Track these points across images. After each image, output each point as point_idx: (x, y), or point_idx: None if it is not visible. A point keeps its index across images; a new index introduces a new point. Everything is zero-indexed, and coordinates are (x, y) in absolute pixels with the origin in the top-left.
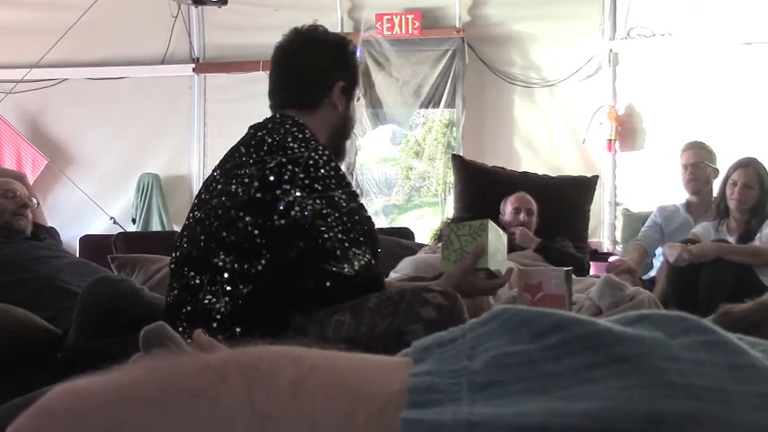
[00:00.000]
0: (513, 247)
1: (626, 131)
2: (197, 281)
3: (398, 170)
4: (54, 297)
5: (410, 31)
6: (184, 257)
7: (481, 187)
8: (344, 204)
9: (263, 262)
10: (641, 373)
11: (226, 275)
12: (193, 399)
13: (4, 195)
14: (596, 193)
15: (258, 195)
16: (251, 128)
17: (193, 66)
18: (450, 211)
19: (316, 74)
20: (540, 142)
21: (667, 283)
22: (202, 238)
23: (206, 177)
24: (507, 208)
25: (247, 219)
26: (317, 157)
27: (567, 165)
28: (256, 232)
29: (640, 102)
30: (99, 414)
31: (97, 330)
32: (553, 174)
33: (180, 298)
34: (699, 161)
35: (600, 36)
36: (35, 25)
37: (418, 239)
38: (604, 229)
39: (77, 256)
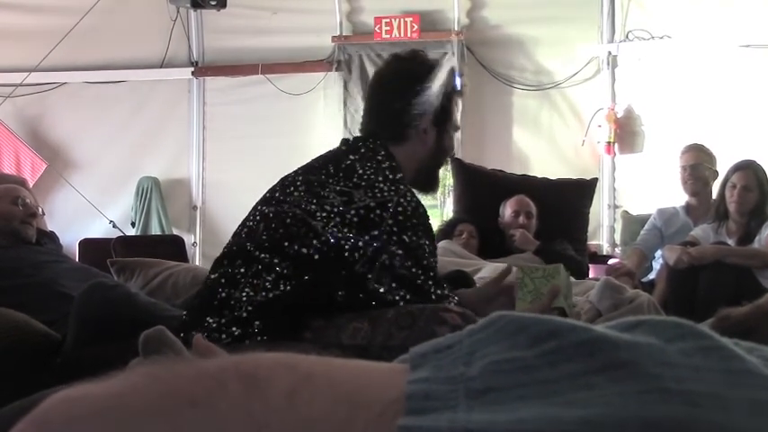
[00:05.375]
0: (512, 250)
1: (625, 134)
2: (241, 270)
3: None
4: (54, 302)
5: (409, 35)
6: (239, 248)
7: (480, 190)
8: (428, 252)
9: (313, 277)
10: (637, 379)
11: (272, 276)
12: (191, 406)
13: (14, 202)
14: (595, 195)
15: (339, 235)
16: (342, 144)
17: (192, 69)
18: (449, 213)
19: (402, 106)
20: (539, 145)
21: (667, 286)
22: (264, 237)
23: (288, 173)
24: (507, 211)
25: (315, 244)
26: (405, 203)
27: (566, 167)
28: (316, 257)
29: (639, 104)
30: (96, 422)
31: (93, 337)
32: (552, 176)
33: (217, 283)
34: (698, 163)
35: (598, 39)
36: (34, 29)
37: None
38: (603, 232)
39: (77, 259)
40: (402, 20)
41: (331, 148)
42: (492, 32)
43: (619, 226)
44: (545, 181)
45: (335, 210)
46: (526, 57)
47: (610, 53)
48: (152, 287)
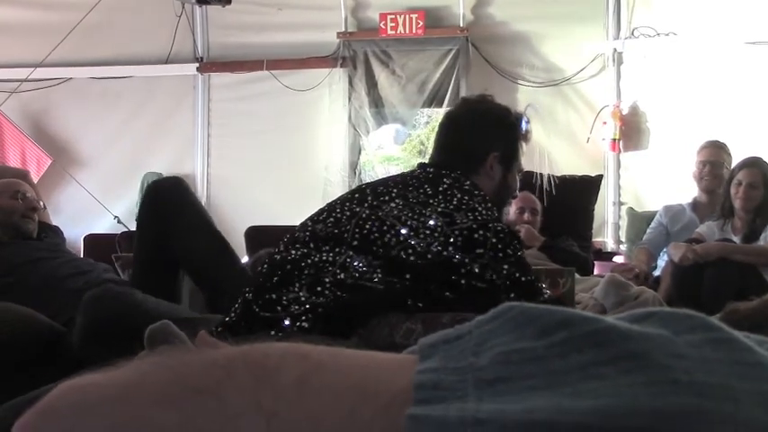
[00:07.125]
0: None
1: (630, 131)
2: (329, 257)
3: (402, 169)
4: (53, 296)
5: (414, 31)
6: (328, 234)
7: None
8: (527, 260)
9: (401, 284)
10: (647, 370)
11: (361, 271)
12: (200, 395)
13: (14, 197)
14: (600, 192)
15: (444, 253)
16: (424, 167)
17: (197, 65)
18: None
19: (472, 143)
20: (544, 141)
21: (672, 283)
22: (356, 236)
23: (374, 182)
24: (511, 207)
25: (411, 259)
26: (502, 224)
27: (571, 164)
28: (413, 269)
29: (644, 101)
30: (105, 411)
31: (99, 342)
32: (557, 173)
33: (302, 262)
34: (718, 161)
35: (604, 35)
36: (39, 24)
37: None
38: (608, 229)
39: (82, 255)
40: (407, 16)
41: (408, 170)
42: (497, 29)
43: (624, 223)
44: (550, 178)
45: (438, 229)
46: (531, 53)
47: (615, 50)
48: None
